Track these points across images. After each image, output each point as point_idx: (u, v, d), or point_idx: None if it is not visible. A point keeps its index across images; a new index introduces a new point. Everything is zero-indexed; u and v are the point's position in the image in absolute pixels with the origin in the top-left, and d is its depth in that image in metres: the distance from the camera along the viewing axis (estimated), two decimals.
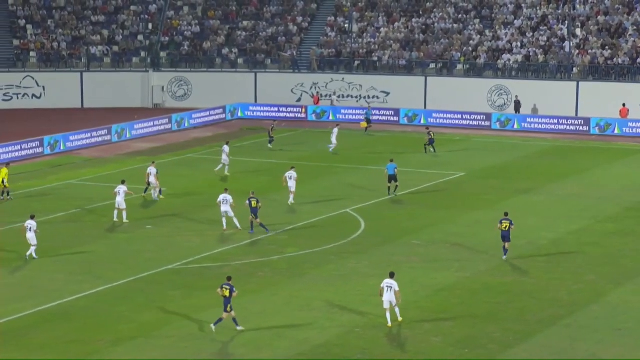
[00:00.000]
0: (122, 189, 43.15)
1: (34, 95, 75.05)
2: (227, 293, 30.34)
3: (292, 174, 46.44)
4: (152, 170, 46.96)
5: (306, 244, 39.82)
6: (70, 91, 75.39)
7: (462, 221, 43.55)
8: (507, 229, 37.69)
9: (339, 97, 74.36)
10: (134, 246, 39.59)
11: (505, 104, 71.26)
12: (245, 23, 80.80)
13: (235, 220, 41.41)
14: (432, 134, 58.80)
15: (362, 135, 65.19)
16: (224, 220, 41.47)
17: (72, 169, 54.67)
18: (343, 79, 75.26)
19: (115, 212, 43.12)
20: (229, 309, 30.17)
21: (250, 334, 30.24)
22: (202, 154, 59.40)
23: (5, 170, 46.63)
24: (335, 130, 59.16)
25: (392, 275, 31.47)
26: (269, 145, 60.10)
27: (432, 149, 58.45)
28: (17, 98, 74.74)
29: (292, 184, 46.38)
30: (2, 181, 46.26)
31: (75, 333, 30.23)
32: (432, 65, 75.14)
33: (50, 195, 48.31)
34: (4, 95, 74.56)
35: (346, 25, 79.04)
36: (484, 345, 29.43)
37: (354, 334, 30.29)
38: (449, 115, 69.81)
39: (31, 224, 38.06)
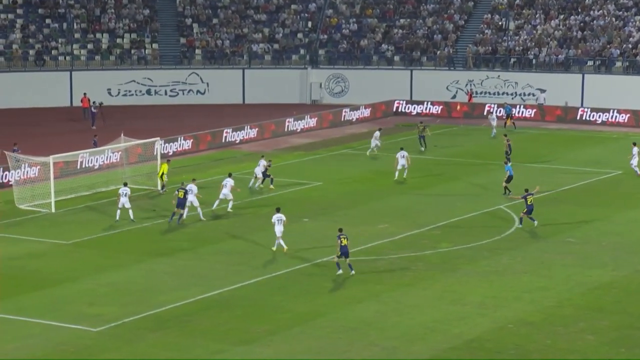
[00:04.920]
0: (229, 182, 43.75)
1: (198, 91, 76.87)
2: (345, 242, 34.44)
3: (403, 153, 49.64)
4: (262, 162, 47.91)
5: (459, 240, 39.53)
6: (232, 87, 76.89)
7: (618, 220, 42.41)
8: (531, 202, 40.73)
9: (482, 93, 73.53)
10: (291, 238, 39.99)
11: None
12: (402, 21, 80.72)
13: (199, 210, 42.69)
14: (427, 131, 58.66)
15: (515, 133, 64.25)
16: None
17: (232, 163, 55.71)
18: (499, 76, 74.31)
19: (218, 202, 43.80)
20: (344, 257, 34.61)
21: (403, 326, 30.20)
22: (357, 150, 59.62)
23: (165, 166, 47.78)
24: (377, 133, 57.38)
25: (278, 210, 37.94)
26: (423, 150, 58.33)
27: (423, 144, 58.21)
28: (183, 94, 76.67)
29: (403, 162, 49.59)
30: (162, 175, 47.43)
31: (235, 321, 30.81)
32: (590, 63, 73.38)
33: (211, 188, 49.27)
34: (171, 91, 76.60)
35: (502, 23, 78.00)
36: None
37: (507, 329, 29.89)
38: (606, 113, 68.09)
39: (126, 190, 42.04)
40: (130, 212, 42.44)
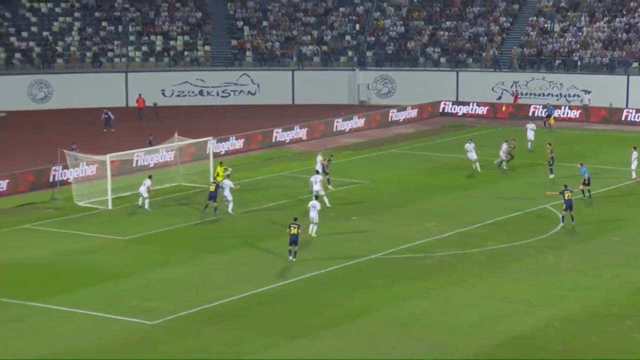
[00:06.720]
0: (318, 178, 44.30)
1: (249, 92, 77.13)
2: (295, 231, 35.38)
3: (470, 146, 50.72)
4: (318, 158, 48.49)
5: (505, 238, 39.29)
6: (282, 88, 77.04)
7: None
8: (569, 197, 40.19)
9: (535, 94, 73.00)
10: (341, 236, 40.08)
11: None
12: (448, 23, 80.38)
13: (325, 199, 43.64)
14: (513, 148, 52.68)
15: (563, 134, 63.76)
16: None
17: (283, 162, 55.82)
18: (543, 77, 73.75)
19: (326, 199, 44.18)
20: (294, 245, 35.61)
21: (451, 323, 30.09)
22: (404, 149, 59.50)
23: (221, 169, 47.90)
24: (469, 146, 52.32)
25: (316, 198, 40.02)
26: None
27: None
28: (234, 94, 76.97)
29: (472, 155, 50.64)
30: (217, 176, 47.56)
31: (286, 316, 30.87)
32: (635, 64, 72.56)
33: (263, 187, 49.50)
34: (222, 92, 76.95)
35: (547, 25, 77.41)
36: None
37: (553, 327, 29.66)
38: None
39: (147, 182, 44.15)
40: (146, 202, 43.98)
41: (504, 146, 52.29)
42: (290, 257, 36.10)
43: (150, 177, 45.29)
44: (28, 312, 31.19)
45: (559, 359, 27.49)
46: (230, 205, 43.24)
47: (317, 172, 45.71)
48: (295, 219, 36.28)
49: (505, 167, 52.14)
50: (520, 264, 35.93)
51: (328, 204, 43.80)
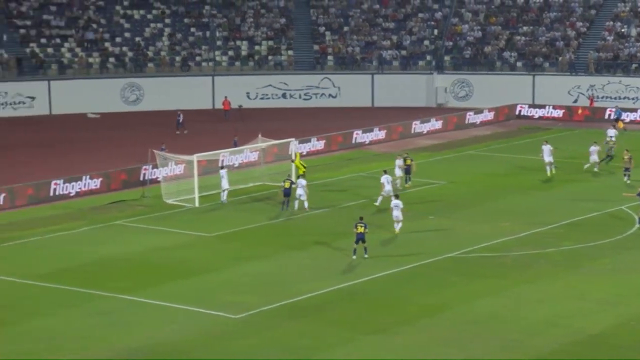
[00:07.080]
0: (389, 178, 44.16)
1: (330, 95, 77.17)
2: (361, 229, 35.38)
3: (548, 147, 49.35)
4: (397, 162, 48.39)
5: (582, 238, 38.62)
6: (362, 91, 76.90)
7: None
8: None
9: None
10: (418, 234, 39.84)
11: None
12: (525, 28, 79.37)
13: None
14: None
15: (631, 137, 62.49)
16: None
17: (362, 163, 55.70)
18: (620, 81, 72.32)
19: (380, 198, 44.04)
20: (361, 242, 35.53)
21: (526, 320, 29.67)
22: (481, 151, 58.93)
23: (297, 162, 47.96)
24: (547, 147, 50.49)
25: (397, 197, 39.56)
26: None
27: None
28: (316, 97, 77.09)
29: (548, 158, 49.20)
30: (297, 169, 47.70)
31: (364, 311, 30.78)
32: None
33: (343, 186, 49.46)
34: (305, 94, 77.15)
35: (624, 30, 75.92)
36: None
37: (628, 326, 29.05)
38: None
39: (223, 172, 45.43)
40: (225, 193, 45.23)
41: (593, 148, 51.30)
42: (354, 257, 35.95)
43: (222, 167, 46.35)
44: (120, 305, 31.63)
45: (633, 357, 26.90)
46: (306, 204, 43.32)
47: (385, 172, 45.09)
48: (361, 218, 36.30)
49: (585, 167, 51.25)
50: (596, 264, 35.29)
51: (377, 203, 43.77)
